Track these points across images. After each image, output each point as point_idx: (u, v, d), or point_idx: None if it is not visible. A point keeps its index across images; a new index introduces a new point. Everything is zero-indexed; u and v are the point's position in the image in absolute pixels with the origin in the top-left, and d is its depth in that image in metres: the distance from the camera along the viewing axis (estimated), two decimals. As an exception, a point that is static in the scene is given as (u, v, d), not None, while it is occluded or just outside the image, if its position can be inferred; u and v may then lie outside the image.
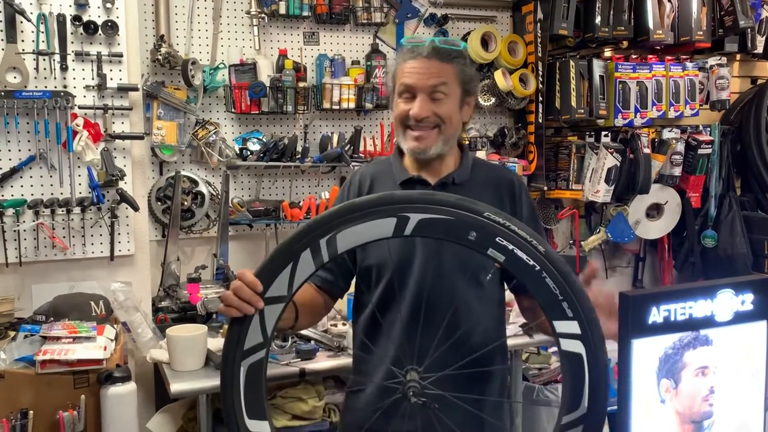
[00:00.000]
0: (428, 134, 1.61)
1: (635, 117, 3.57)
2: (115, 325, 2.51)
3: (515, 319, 2.67)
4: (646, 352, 1.25)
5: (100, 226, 2.69)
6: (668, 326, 1.25)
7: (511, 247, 1.24)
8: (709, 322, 1.29)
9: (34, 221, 2.58)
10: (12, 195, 2.58)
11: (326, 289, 1.73)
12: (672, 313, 1.26)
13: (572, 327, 1.24)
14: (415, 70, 1.59)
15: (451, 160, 1.70)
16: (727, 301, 1.30)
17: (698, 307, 1.28)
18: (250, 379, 1.26)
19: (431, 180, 1.67)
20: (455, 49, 1.61)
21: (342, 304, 2.96)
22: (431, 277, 1.60)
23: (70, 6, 2.61)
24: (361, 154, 3.26)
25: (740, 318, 1.31)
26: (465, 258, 1.56)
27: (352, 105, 3.22)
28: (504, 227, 1.24)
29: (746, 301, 1.32)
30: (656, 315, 1.24)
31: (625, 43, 3.59)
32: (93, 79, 2.66)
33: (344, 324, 2.70)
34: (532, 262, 1.24)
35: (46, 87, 2.59)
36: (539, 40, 3.47)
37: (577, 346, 1.24)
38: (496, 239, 1.24)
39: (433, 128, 1.61)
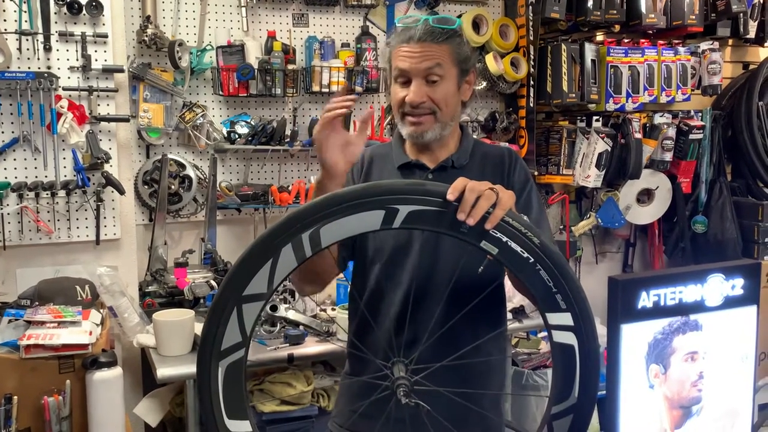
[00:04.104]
0: (425, 120, 1.59)
1: (627, 102, 3.55)
2: (101, 310, 2.49)
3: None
4: (636, 337, 1.24)
5: (86, 210, 2.66)
6: (658, 311, 1.25)
7: (504, 239, 1.19)
8: (698, 306, 1.28)
9: (18, 204, 2.55)
10: (-5, 178, 2.55)
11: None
12: (662, 298, 1.25)
13: (565, 318, 1.21)
14: (408, 53, 1.56)
15: (451, 143, 1.67)
16: (718, 286, 1.29)
17: (688, 292, 1.27)
18: (228, 379, 1.20)
19: (430, 164, 1.65)
20: (448, 29, 1.58)
21: (331, 289, 2.95)
22: (427, 265, 1.57)
23: (54, -15, 2.56)
24: (350, 138, 3.22)
25: (730, 303, 1.31)
26: (464, 245, 1.51)
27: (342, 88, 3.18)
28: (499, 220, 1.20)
29: (736, 285, 1.31)
30: (646, 300, 1.24)
31: (617, 27, 3.57)
32: (77, 60, 2.61)
33: (333, 309, 2.68)
34: (526, 255, 1.19)
35: (29, 68, 2.54)
36: (531, 23, 3.44)
37: (569, 338, 1.21)
38: (490, 231, 1.20)
39: (429, 114, 1.58)
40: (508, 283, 1.69)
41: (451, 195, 1.19)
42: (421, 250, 1.59)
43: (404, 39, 1.57)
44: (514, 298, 2.77)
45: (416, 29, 1.55)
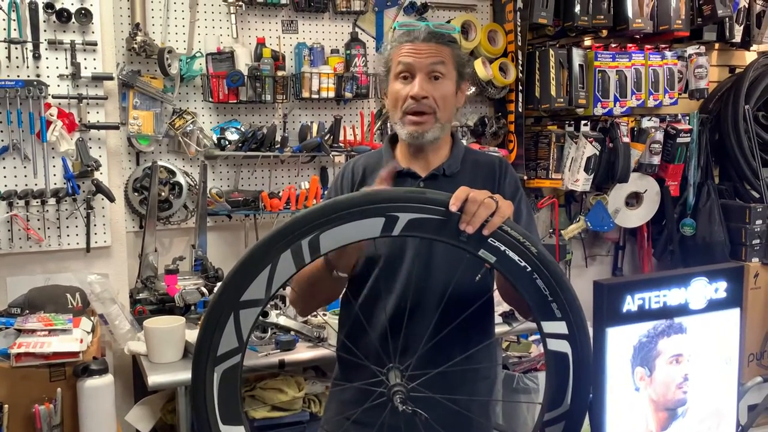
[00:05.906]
0: (426, 119, 1.58)
1: (614, 106, 3.58)
2: (92, 318, 2.49)
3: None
4: (621, 340, 1.26)
5: (76, 218, 2.66)
6: (643, 314, 1.26)
7: (503, 248, 1.21)
8: (683, 310, 1.30)
9: (8, 213, 2.54)
10: (-15, 186, 2.54)
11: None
12: (646, 302, 1.26)
13: (560, 327, 1.23)
14: (413, 50, 1.57)
15: (443, 150, 1.67)
16: (701, 289, 1.31)
17: (672, 296, 1.28)
18: (224, 384, 1.20)
19: (421, 172, 1.64)
20: (450, 33, 1.62)
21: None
22: (420, 274, 1.58)
23: (43, -7, 2.56)
24: (340, 144, 3.24)
25: (714, 306, 1.32)
26: (457, 254, 1.52)
27: (331, 94, 3.19)
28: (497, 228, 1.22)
29: (720, 288, 1.33)
30: (631, 303, 1.25)
31: (605, 32, 3.59)
32: (67, 68, 2.61)
33: (324, 314, 2.69)
34: (523, 263, 1.21)
35: (18, 76, 2.54)
36: (519, 29, 3.46)
37: (563, 346, 1.23)
38: (488, 240, 1.21)
39: (430, 114, 1.58)
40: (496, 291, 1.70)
41: (453, 206, 1.20)
42: (414, 258, 1.59)
43: (408, 38, 1.59)
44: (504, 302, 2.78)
45: (420, 31, 1.59)
